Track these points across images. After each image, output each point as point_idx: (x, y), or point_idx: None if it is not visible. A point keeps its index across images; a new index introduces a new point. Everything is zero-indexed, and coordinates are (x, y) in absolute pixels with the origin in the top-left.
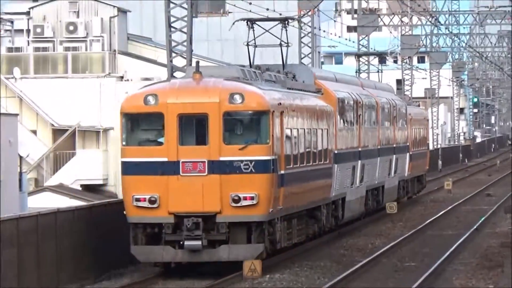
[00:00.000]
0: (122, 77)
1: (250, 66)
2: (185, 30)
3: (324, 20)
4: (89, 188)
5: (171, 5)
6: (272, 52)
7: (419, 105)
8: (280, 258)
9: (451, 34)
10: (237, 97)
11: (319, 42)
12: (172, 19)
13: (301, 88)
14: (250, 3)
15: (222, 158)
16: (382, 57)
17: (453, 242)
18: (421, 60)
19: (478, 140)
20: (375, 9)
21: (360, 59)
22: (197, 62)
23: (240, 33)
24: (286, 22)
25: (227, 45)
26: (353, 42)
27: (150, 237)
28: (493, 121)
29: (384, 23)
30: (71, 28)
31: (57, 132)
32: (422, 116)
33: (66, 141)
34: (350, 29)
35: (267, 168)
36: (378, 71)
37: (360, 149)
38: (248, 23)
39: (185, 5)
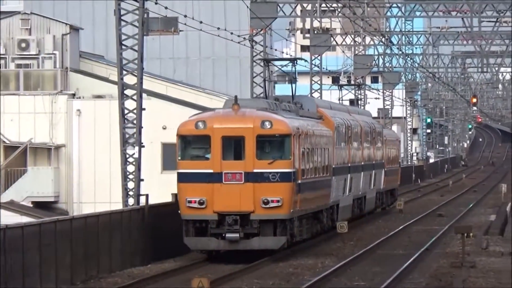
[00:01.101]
0: (74, 94)
1: (266, 97)
2: (136, 48)
3: (278, 40)
4: (40, 205)
5: (123, 23)
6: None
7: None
8: (231, 277)
9: (404, 54)
10: (267, 123)
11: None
12: (124, 37)
13: (308, 115)
14: (201, 22)
15: (255, 170)
16: (334, 76)
17: (404, 261)
18: (374, 80)
19: (431, 160)
20: (328, 28)
21: (313, 78)
22: (236, 97)
23: (192, 51)
24: (295, 61)
25: (179, 63)
26: (306, 61)
27: (198, 231)
28: (446, 142)
29: (337, 43)
30: (23, 45)
31: (9, 149)
32: (395, 137)
33: (17, 158)
34: (304, 48)
35: (289, 178)
36: (291, 80)
37: (349, 164)
38: (264, 62)
39: (136, 23)
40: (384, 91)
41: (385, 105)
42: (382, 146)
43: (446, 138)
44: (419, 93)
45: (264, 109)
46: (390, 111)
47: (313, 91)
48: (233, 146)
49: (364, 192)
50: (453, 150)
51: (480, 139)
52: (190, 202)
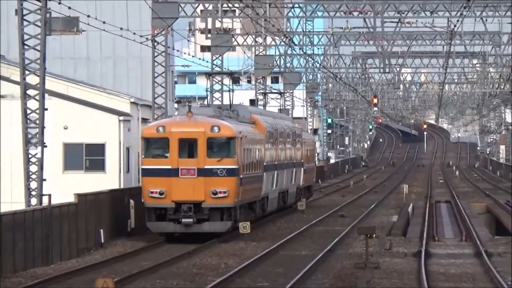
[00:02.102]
0: None
1: (208, 105)
2: (38, 48)
3: (178, 40)
4: None
5: (25, 23)
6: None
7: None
8: (135, 277)
9: (305, 54)
10: (215, 128)
11: (172, 61)
12: (26, 36)
13: (245, 121)
14: (104, 22)
15: (206, 167)
16: (235, 77)
17: (307, 262)
18: (275, 80)
19: (332, 161)
20: (229, 29)
21: (214, 78)
22: (189, 106)
23: (93, 51)
24: (232, 74)
25: (80, 63)
26: (207, 61)
27: (159, 217)
28: (347, 142)
29: (238, 43)
30: None
31: None
32: (312, 139)
33: None
34: (203, 48)
35: (234, 173)
36: (229, 90)
37: (276, 162)
38: (209, 76)
39: (38, 23)
40: (285, 91)
41: (285, 105)
42: (301, 147)
43: (346, 138)
44: (319, 93)
45: (212, 116)
46: (290, 112)
47: (214, 91)
48: (188, 147)
49: (287, 187)
50: (354, 151)
51: (381, 140)
52: (152, 192)
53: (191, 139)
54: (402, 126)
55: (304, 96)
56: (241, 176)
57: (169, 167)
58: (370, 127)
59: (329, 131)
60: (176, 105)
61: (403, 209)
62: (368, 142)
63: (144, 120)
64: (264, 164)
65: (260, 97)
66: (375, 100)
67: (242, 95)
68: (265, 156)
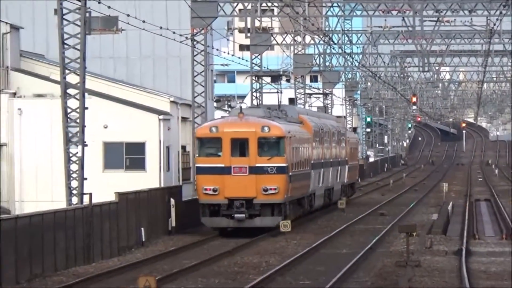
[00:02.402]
0: (15, 94)
1: (257, 105)
2: (78, 47)
3: (217, 39)
4: None
5: (65, 22)
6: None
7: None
8: (176, 276)
9: (344, 53)
10: (266, 128)
11: (211, 60)
12: (66, 36)
13: (293, 121)
14: (143, 21)
15: (257, 165)
16: (276, 76)
17: (348, 261)
18: (314, 79)
19: (371, 159)
20: (268, 28)
21: (253, 78)
22: (241, 107)
23: (132, 51)
24: (280, 76)
25: (119, 63)
26: (246, 60)
27: (212, 212)
28: (386, 141)
29: (277, 42)
30: None
31: None
32: (355, 138)
33: None
34: (242, 47)
35: (284, 171)
36: (277, 92)
37: (322, 160)
38: (255, 77)
39: (78, 22)
40: (324, 90)
41: (324, 104)
42: (345, 146)
43: (385, 137)
44: (358, 92)
45: (262, 116)
46: (330, 110)
47: (253, 90)
48: (239, 146)
49: (333, 184)
50: (393, 149)
51: (420, 138)
52: (206, 189)
53: (243, 139)
54: (441, 124)
55: (343, 95)
56: (290, 173)
57: (222, 165)
58: (409, 125)
59: (368, 130)
60: (215, 104)
61: (443, 207)
62: (407, 141)
63: (184, 119)
64: (312, 162)
65: (299, 95)
66: (414, 99)
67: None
68: (312, 154)
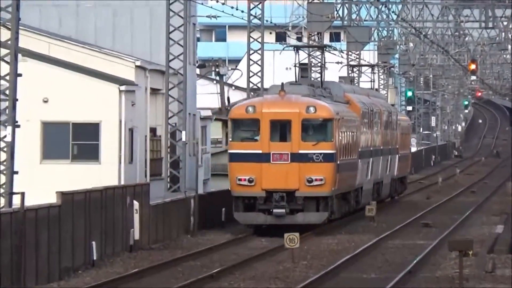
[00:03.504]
0: None
1: (296, 81)
2: None
3: None
4: None
5: None
6: None
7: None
8: None
9: (377, 2)
10: (311, 108)
11: (194, 10)
12: None
13: (339, 100)
14: None
15: (300, 151)
16: (279, 32)
17: None
18: (335, 37)
19: (413, 149)
20: None
21: (251, 34)
22: (282, 83)
23: None
24: (325, 48)
25: (66, 13)
26: (242, 11)
27: (247, 206)
28: (433, 124)
29: None
30: None
31: None
32: (407, 122)
33: None
34: None
35: (332, 159)
36: (321, 66)
37: (371, 148)
38: (295, 49)
39: None
40: (349, 53)
41: (350, 72)
42: (396, 131)
43: (433, 118)
44: (396, 56)
45: (306, 95)
46: (357, 81)
47: (251, 52)
48: (280, 129)
49: (382, 177)
50: (443, 135)
51: (480, 121)
52: (240, 180)
53: (284, 121)
54: (511, 101)
55: (376, 60)
56: (338, 162)
57: (260, 151)
58: (466, 103)
59: (409, 108)
60: (198, 71)
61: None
62: (463, 124)
63: (154, 91)
64: (359, 150)
65: (315, 61)
66: (473, 66)
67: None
68: (360, 140)
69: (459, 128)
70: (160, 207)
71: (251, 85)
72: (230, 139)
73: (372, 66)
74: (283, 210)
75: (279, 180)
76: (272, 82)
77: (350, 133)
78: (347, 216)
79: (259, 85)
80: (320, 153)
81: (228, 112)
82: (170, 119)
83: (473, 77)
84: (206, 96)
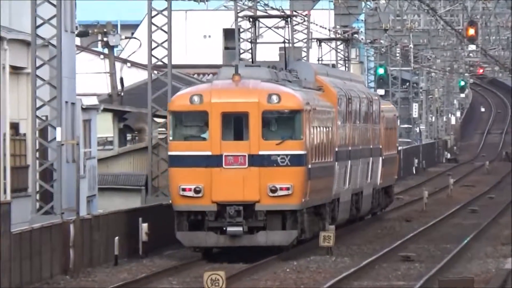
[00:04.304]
0: None
1: (252, 62)
2: None
3: None
4: None
5: None
6: None
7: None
8: None
9: None
10: (274, 97)
11: None
12: None
13: (309, 86)
14: None
15: (261, 152)
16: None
17: None
18: None
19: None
20: None
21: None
22: (236, 66)
23: None
24: (289, 19)
25: None
26: None
27: (193, 224)
28: (415, 114)
29: None
30: None
31: None
32: (392, 111)
33: None
34: None
35: (301, 162)
36: (284, 42)
37: (350, 148)
38: (251, 20)
39: None
40: (294, 13)
41: (292, 39)
42: (379, 125)
43: (415, 106)
44: (362, 17)
45: (268, 80)
46: (304, 53)
47: (153, 13)
48: (235, 124)
49: (361, 186)
50: (430, 131)
51: (483, 109)
52: (184, 190)
53: (240, 113)
54: None
55: (332, 24)
56: (310, 166)
57: (209, 153)
58: (462, 84)
59: (381, 92)
60: (79, 41)
61: None
62: (458, 114)
63: (16, 70)
64: (336, 149)
65: (244, 24)
66: (472, 31)
67: (210, 19)
68: (336, 138)
69: (453, 120)
70: (25, 236)
71: (154, 60)
72: (171, 138)
73: (286, 18)
74: (240, 229)
75: (234, 189)
76: (185, 55)
77: (325, 129)
78: (316, 236)
79: (165, 60)
80: (286, 155)
81: (121, 99)
82: (39, 110)
83: (472, 47)
84: (91, 76)
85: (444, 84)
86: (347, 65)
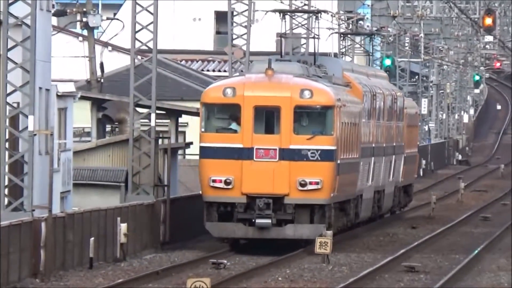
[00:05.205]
0: None
1: (281, 56)
2: None
3: None
4: None
5: None
6: None
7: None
8: None
9: None
10: (306, 92)
11: None
12: None
13: (338, 82)
14: None
15: (292, 147)
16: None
17: None
18: None
19: None
20: None
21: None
22: (270, 60)
23: None
24: (319, 14)
25: None
26: None
27: (223, 215)
28: (424, 110)
29: None
30: None
31: None
32: (414, 109)
33: None
34: None
35: (331, 157)
36: (314, 37)
37: (373, 145)
38: (280, 14)
39: None
40: None
41: (291, 28)
42: (402, 122)
43: (424, 102)
44: (368, 3)
45: (300, 75)
46: (310, 43)
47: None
48: (267, 118)
49: (384, 184)
50: (440, 130)
51: (499, 106)
52: (214, 181)
53: (272, 107)
54: None
55: (336, 11)
56: (339, 161)
57: (240, 145)
58: (477, 78)
59: None
60: (55, 21)
61: None
62: (472, 112)
63: None
64: (361, 146)
65: (238, 7)
66: (489, 20)
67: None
68: (361, 134)
69: (466, 118)
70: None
71: (138, 44)
72: (203, 129)
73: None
74: (269, 221)
75: (264, 182)
76: (172, 39)
77: (352, 125)
78: (344, 231)
79: (150, 44)
80: (317, 150)
81: (101, 86)
82: (10, 97)
83: (489, 38)
84: (68, 60)
85: (457, 78)
86: (346, 54)
